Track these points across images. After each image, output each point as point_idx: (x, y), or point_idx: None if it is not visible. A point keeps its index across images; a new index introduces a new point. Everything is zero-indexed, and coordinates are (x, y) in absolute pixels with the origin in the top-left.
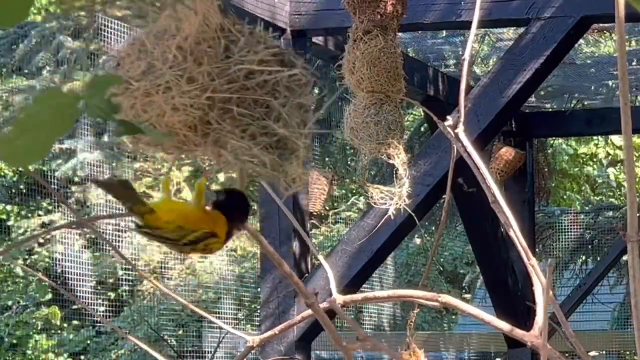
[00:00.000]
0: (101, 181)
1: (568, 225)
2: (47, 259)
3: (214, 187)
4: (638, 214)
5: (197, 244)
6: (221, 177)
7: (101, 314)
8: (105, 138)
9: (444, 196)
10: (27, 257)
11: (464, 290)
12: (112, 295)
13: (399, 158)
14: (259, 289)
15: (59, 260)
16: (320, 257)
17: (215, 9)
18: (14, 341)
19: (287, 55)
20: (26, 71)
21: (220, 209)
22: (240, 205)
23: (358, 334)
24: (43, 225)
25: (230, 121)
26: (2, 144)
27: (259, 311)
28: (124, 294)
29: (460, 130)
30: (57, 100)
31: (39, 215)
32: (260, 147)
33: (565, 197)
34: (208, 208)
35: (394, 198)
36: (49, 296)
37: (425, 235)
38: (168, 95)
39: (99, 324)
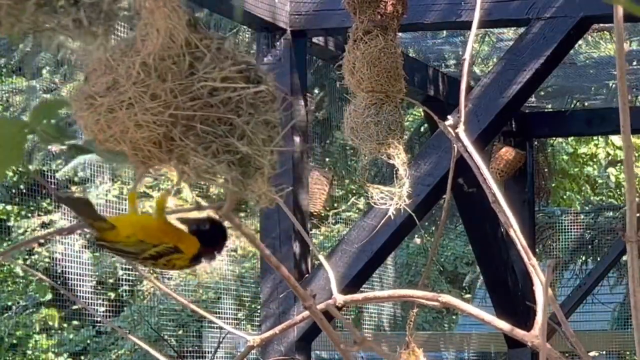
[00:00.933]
0: (62, 197)
1: (568, 225)
2: (47, 259)
3: (197, 214)
4: (637, 215)
5: (158, 259)
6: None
7: (101, 314)
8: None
9: (444, 196)
10: (27, 257)
11: (464, 290)
12: (112, 295)
13: (399, 158)
14: (259, 289)
15: (59, 260)
16: (321, 257)
17: (183, 25)
18: (14, 341)
19: (253, 71)
20: (26, 71)
21: (197, 235)
22: (217, 234)
23: (355, 337)
24: (43, 225)
25: (194, 138)
26: None
27: (259, 311)
28: (124, 294)
29: (461, 130)
30: (5, 130)
31: (39, 215)
32: (222, 165)
33: (565, 197)
34: (183, 228)
35: (394, 198)
36: (49, 296)
37: (425, 235)
38: (131, 111)
39: (99, 324)
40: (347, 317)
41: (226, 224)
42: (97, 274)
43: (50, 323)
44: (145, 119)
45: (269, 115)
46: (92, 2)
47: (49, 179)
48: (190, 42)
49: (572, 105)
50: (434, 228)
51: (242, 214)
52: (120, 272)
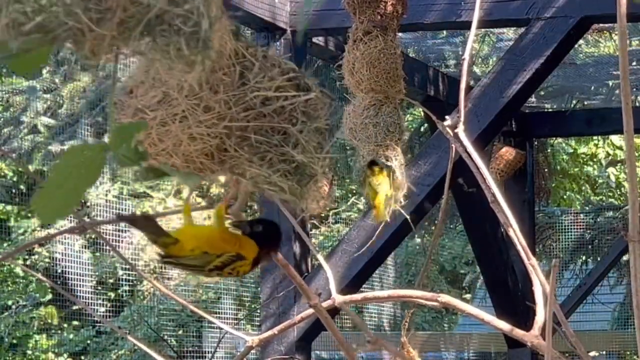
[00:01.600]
0: (125, 216)
1: (568, 225)
2: (47, 259)
3: (245, 216)
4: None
5: (223, 269)
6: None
7: (101, 314)
8: (106, 139)
9: (443, 196)
10: (27, 257)
11: (464, 290)
12: (112, 295)
13: (397, 160)
14: (259, 289)
15: (59, 260)
16: (320, 258)
17: (229, 35)
18: (14, 341)
19: (302, 78)
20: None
21: (253, 237)
22: (272, 233)
23: (369, 337)
24: (43, 225)
25: (248, 149)
26: (38, 204)
27: (259, 311)
28: (124, 294)
29: (460, 130)
30: (85, 154)
31: None
32: (279, 174)
33: (565, 197)
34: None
35: (390, 201)
36: (49, 296)
37: (425, 235)
38: (185, 124)
39: (99, 324)
40: (348, 317)
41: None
42: (97, 274)
43: (50, 321)
44: (199, 131)
45: (319, 122)
46: (192, 31)
47: None
48: (238, 52)
49: (572, 105)
50: (433, 228)
51: (243, 214)
52: (120, 272)
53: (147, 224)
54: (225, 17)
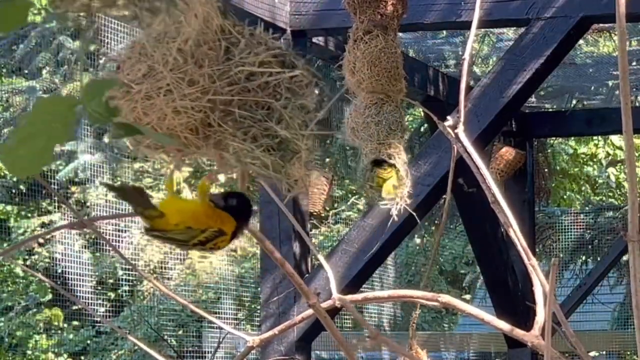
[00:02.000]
0: (114, 186)
1: (568, 225)
2: (47, 259)
3: (215, 189)
4: (639, 214)
5: (206, 244)
6: (221, 177)
7: (101, 314)
8: (106, 139)
9: (444, 196)
10: (27, 257)
11: (464, 290)
12: (112, 295)
13: (400, 158)
14: (259, 289)
15: (59, 260)
16: (321, 258)
17: (216, 11)
18: (14, 341)
19: (288, 56)
20: (26, 72)
21: (227, 210)
22: (245, 207)
23: (370, 332)
24: (43, 225)
25: (232, 123)
26: (4, 155)
27: (259, 311)
28: (124, 294)
29: (460, 130)
30: (55, 107)
31: (39, 215)
32: (262, 149)
33: (565, 197)
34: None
35: (395, 199)
36: (49, 296)
37: (425, 235)
38: (169, 98)
39: (99, 324)
40: (347, 317)
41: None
42: (97, 274)
43: (55, 323)
44: (184, 104)
45: (304, 100)
46: None
47: (50, 180)
48: (224, 29)
49: (572, 105)
50: (434, 228)
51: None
52: (120, 272)
53: (135, 195)
54: None
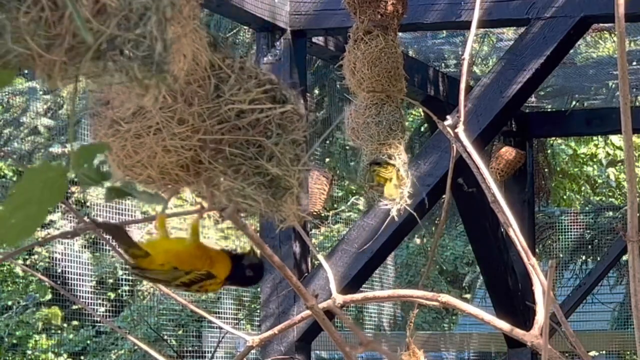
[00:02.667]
0: (99, 222)
1: (568, 225)
2: (47, 259)
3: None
4: (638, 214)
5: (191, 286)
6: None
7: (101, 314)
8: None
9: (444, 196)
10: (27, 257)
11: (464, 290)
12: (112, 295)
13: (400, 158)
14: (259, 289)
15: (59, 260)
16: (320, 258)
17: (205, 46)
18: (14, 341)
19: (278, 90)
20: (26, 72)
21: (233, 259)
22: (252, 277)
23: (361, 339)
24: (42, 225)
25: (223, 161)
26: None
27: (258, 311)
28: (124, 294)
29: (460, 130)
30: (47, 175)
31: None
32: (253, 187)
33: (565, 197)
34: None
35: (396, 199)
36: (49, 296)
37: (425, 235)
38: (159, 137)
39: (98, 324)
40: (347, 316)
41: (231, 224)
42: (97, 274)
43: (54, 322)
44: (174, 143)
45: (295, 134)
46: (145, 55)
47: None
48: (214, 64)
49: (572, 105)
50: (434, 228)
51: (242, 214)
52: (120, 272)
53: (118, 233)
54: (199, 30)
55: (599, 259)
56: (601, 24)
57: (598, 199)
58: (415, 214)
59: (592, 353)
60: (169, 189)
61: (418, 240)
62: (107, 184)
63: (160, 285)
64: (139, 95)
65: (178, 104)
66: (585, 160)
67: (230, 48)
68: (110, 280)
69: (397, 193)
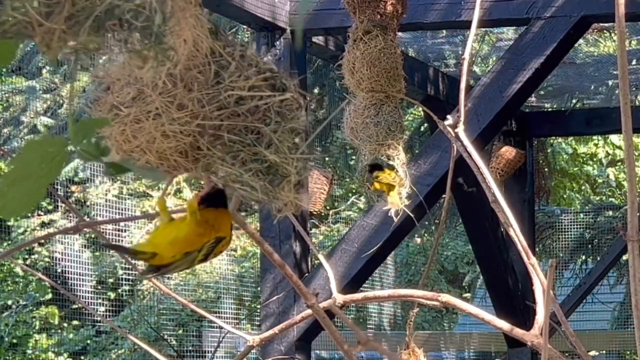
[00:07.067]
0: (108, 244)
1: (568, 225)
2: (47, 259)
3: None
4: (638, 214)
5: (209, 257)
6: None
7: (101, 313)
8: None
9: (444, 196)
10: (27, 256)
11: (464, 290)
12: (112, 294)
13: (399, 159)
14: (259, 289)
15: (59, 260)
16: (321, 257)
17: (206, 33)
18: (14, 341)
19: (278, 79)
20: (26, 71)
21: (206, 203)
22: (220, 195)
23: (359, 338)
24: (43, 224)
25: (221, 147)
26: None
27: (259, 311)
28: (124, 293)
29: (460, 129)
30: (45, 148)
31: (38, 214)
32: (251, 174)
33: (565, 196)
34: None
35: (401, 207)
36: (49, 296)
37: (425, 235)
38: (158, 122)
39: (99, 324)
40: (347, 317)
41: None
42: (97, 273)
43: (51, 321)
44: (173, 129)
45: (294, 123)
46: (144, 25)
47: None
48: (215, 51)
49: (572, 105)
50: (434, 228)
51: (242, 213)
52: (120, 272)
53: (121, 250)
54: (200, 17)
55: (599, 258)
56: (601, 24)
57: (598, 198)
58: (413, 215)
59: (592, 353)
60: (168, 175)
61: (418, 240)
62: (106, 160)
63: (160, 284)
64: (137, 67)
65: (178, 89)
66: (585, 159)
67: (231, 37)
68: (111, 280)
69: (402, 202)
